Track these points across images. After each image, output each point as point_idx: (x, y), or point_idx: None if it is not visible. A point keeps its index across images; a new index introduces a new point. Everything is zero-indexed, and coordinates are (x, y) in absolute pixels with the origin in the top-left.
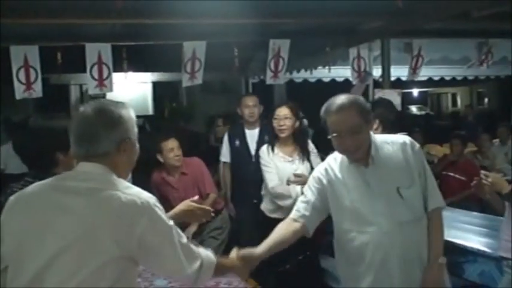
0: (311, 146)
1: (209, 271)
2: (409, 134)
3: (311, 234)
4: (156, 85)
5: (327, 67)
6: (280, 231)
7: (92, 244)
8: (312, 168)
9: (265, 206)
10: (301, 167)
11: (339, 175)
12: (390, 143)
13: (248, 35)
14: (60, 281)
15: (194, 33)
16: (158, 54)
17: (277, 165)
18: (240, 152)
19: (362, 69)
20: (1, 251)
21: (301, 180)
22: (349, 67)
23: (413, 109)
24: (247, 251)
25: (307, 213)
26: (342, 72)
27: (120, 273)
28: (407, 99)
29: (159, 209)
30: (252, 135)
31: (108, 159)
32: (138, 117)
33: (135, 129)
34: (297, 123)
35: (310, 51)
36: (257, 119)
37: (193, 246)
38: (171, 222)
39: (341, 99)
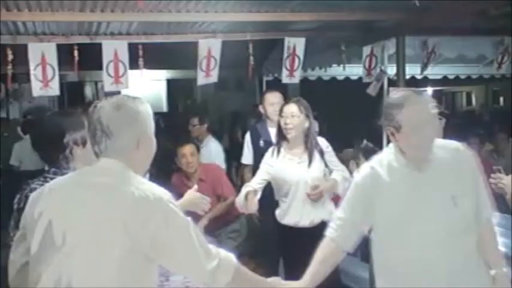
0: (325, 144)
1: (227, 272)
2: None
3: (351, 251)
4: (170, 82)
5: (341, 65)
6: (320, 257)
7: (107, 239)
8: (327, 168)
9: (277, 212)
10: (313, 170)
11: (387, 180)
12: (442, 147)
13: (263, 32)
14: (78, 275)
15: (209, 30)
16: (173, 51)
17: (285, 169)
18: (265, 152)
19: (373, 67)
20: (26, 245)
21: (319, 193)
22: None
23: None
24: (288, 283)
25: (343, 232)
26: (357, 70)
27: (136, 269)
28: None
29: (174, 205)
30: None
31: (126, 154)
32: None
33: (153, 125)
34: (307, 122)
35: (325, 49)
36: None
37: (211, 246)
38: (188, 219)
39: (408, 92)
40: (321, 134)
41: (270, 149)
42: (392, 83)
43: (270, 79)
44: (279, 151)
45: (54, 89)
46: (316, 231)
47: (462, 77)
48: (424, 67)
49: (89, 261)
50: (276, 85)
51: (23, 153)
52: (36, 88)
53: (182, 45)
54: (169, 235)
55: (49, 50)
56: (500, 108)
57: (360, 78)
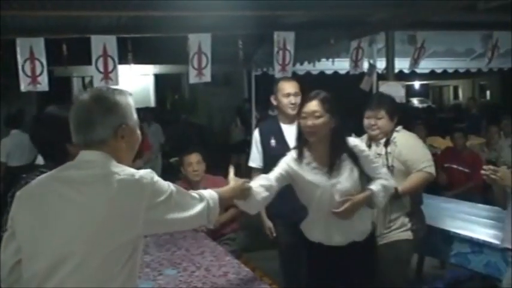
0: (358, 146)
1: (216, 208)
2: (411, 127)
3: None
4: (158, 77)
5: (330, 59)
6: None
7: (102, 230)
8: (364, 176)
9: (303, 223)
10: (343, 180)
11: None
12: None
13: (252, 27)
14: (75, 269)
15: (198, 25)
16: (160, 46)
17: (309, 180)
18: (278, 153)
19: (359, 58)
20: (16, 243)
21: (348, 210)
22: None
23: (415, 102)
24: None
25: None
26: (345, 64)
27: (131, 252)
28: (408, 92)
29: (158, 181)
30: (290, 131)
31: (106, 146)
32: (139, 109)
33: (134, 116)
34: (332, 122)
35: (314, 44)
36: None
37: (194, 193)
38: (170, 185)
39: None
40: None
41: (291, 153)
42: (381, 77)
43: (259, 74)
44: (301, 156)
45: (43, 85)
46: (349, 251)
47: (450, 71)
48: (414, 63)
49: (85, 255)
50: (265, 80)
51: (9, 149)
52: (25, 83)
53: (170, 40)
54: (159, 212)
55: (37, 45)
56: (486, 102)
57: (348, 73)
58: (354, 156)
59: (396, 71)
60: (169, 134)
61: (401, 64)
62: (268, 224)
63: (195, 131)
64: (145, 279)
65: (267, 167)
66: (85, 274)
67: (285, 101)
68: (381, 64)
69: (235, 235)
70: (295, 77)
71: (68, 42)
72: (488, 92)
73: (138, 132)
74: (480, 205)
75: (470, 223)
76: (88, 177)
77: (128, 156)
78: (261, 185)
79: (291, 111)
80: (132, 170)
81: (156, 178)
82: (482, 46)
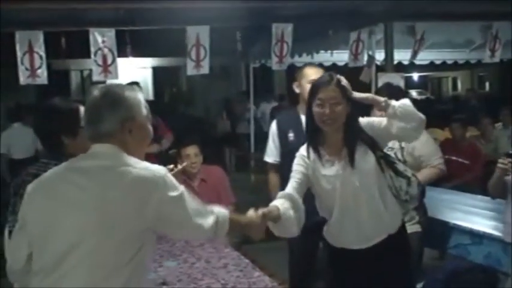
0: (367, 124)
1: (225, 225)
2: None
3: None
4: (156, 70)
5: (328, 51)
6: None
7: (112, 220)
8: (382, 159)
9: (324, 229)
10: (361, 165)
11: None
12: None
13: (250, 19)
14: (82, 258)
15: (196, 18)
16: (158, 39)
17: (325, 174)
18: (296, 147)
19: (360, 52)
20: (27, 237)
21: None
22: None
23: (413, 93)
24: (267, 208)
25: None
26: (344, 56)
27: (140, 246)
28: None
29: (170, 178)
30: None
31: (114, 139)
32: None
33: (144, 111)
34: (348, 109)
35: (312, 35)
36: None
37: (205, 205)
38: (182, 187)
39: None
40: None
41: (302, 149)
42: (380, 68)
43: (257, 66)
44: (315, 150)
45: (42, 78)
46: (377, 252)
47: (449, 62)
48: (414, 54)
49: (95, 244)
50: (263, 72)
51: (11, 141)
52: (24, 76)
53: (168, 32)
54: (170, 207)
55: (36, 38)
56: (486, 93)
57: (347, 65)
58: (373, 145)
59: (395, 62)
60: (167, 127)
61: (400, 55)
62: None
63: (193, 124)
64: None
65: (284, 163)
66: (91, 264)
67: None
68: (379, 55)
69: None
70: (292, 69)
71: (66, 36)
72: (487, 84)
73: (149, 127)
74: (479, 196)
75: (470, 214)
76: (101, 167)
77: (137, 151)
78: (287, 207)
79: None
80: (145, 164)
81: (169, 174)
82: (481, 37)
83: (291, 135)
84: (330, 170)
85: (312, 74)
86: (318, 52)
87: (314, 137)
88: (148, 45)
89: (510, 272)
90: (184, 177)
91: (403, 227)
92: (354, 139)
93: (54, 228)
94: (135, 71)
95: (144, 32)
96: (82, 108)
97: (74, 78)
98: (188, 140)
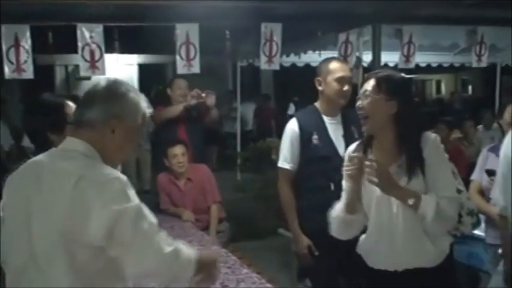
0: (431, 147)
1: (188, 264)
2: None
3: None
4: (142, 67)
5: (316, 52)
6: None
7: (70, 231)
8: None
9: (360, 244)
10: (414, 185)
11: None
12: None
13: (239, 18)
14: (49, 265)
15: (185, 15)
16: (145, 36)
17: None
18: (320, 154)
19: (349, 53)
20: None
21: (383, 174)
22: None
23: None
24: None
25: None
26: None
27: (105, 261)
28: None
29: (129, 196)
30: (334, 127)
31: (93, 132)
32: None
33: (137, 118)
34: (393, 108)
35: (301, 36)
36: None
37: (166, 235)
38: (139, 206)
39: None
40: None
41: (351, 150)
42: (367, 69)
43: (245, 65)
44: (366, 151)
45: (27, 73)
46: (408, 280)
47: (434, 65)
48: (406, 60)
49: (56, 254)
50: (250, 71)
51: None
52: (9, 71)
53: (155, 29)
54: (123, 229)
55: (23, 32)
56: (469, 96)
57: None
58: (420, 157)
59: (381, 64)
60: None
61: (387, 57)
62: (306, 241)
63: None
64: None
65: (303, 170)
66: (50, 274)
67: (336, 86)
68: (366, 57)
69: (223, 227)
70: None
71: (52, 30)
72: (470, 87)
73: (136, 137)
74: None
75: None
76: (60, 169)
77: (115, 155)
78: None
79: (343, 101)
80: (108, 178)
81: (129, 188)
82: (466, 41)
83: (315, 137)
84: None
85: (340, 70)
86: (305, 52)
87: (368, 137)
88: (135, 41)
89: (492, 271)
90: (171, 176)
91: (449, 264)
92: (404, 147)
93: (20, 232)
94: (122, 68)
95: (132, 29)
96: (69, 104)
97: (59, 74)
98: (175, 139)
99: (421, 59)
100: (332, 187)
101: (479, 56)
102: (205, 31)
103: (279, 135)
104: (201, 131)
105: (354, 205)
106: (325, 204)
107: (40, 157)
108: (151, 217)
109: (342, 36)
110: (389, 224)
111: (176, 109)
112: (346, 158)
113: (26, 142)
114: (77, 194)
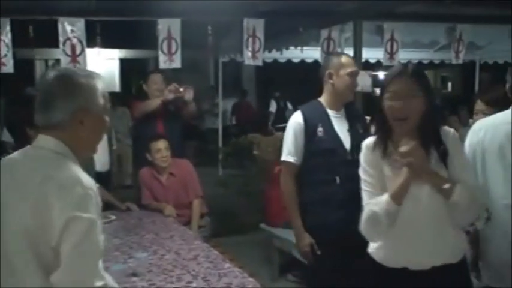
0: (452, 140)
1: None
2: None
3: None
4: (124, 62)
5: (298, 48)
6: None
7: (35, 229)
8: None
9: (374, 245)
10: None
11: None
12: None
13: (222, 13)
14: (18, 266)
15: (167, 10)
16: (127, 31)
17: (387, 175)
18: (325, 147)
19: (331, 50)
20: None
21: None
22: (320, 48)
23: (378, 91)
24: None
25: None
26: (313, 53)
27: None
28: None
29: (87, 206)
30: (338, 121)
31: (63, 130)
32: None
33: (100, 101)
34: (425, 105)
35: (282, 32)
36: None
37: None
38: (94, 222)
39: None
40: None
41: (369, 146)
42: None
43: (227, 60)
44: (386, 150)
45: (8, 67)
46: (439, 276)
47: (414, 61)
48: (390, 57)
49: (24, 256)
50: (232, 67)
51: None
52: None
53: (137, 24)
54: (70, 235)
55: (3, 26)
56: (448, 93)
57: (316, 61)
58: (444, 152)
59: (362, 60)
60: None
61: (368, 54)
62: (308, 239)
63: None
64: (116, 263)
65: (306, 164)
66: (20, 274)
67: (349, 80)
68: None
69: (205, 222)
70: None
71: (33, 24)
72: (450, 84)
73: (105, 119)
74: None
75: None
76: (30, 170)
77: (89, 145)
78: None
79: (352, 95)
80: (72, 175)
81: (95, 194)
82: (446, 38)
83: (320, 130)
84: (400, 171)
85: (352, 64)
86: (287, 48)
87: (386, 135)
88: (117, 36)
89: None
90: (153, 171)
91: (464, 262)
92: (428, 144)
93: None
94: (103, 62)
95: (113, 23)
96: None
97: (39, 68)
98: (157, 134)
99: (402, 55)
100: (337, 181)
101: (457, 52)
102: (188, 26)
103: (259, 131)
104: (179, 126)
105: (404, 195)
106: (331, 199)
107: (14, 155)
108: (100, 240)
109: (324, 33)
110: (418, 216)
111: (153, 103)
112: (364, 151)
113: (6, 137)
114: (41, 193)
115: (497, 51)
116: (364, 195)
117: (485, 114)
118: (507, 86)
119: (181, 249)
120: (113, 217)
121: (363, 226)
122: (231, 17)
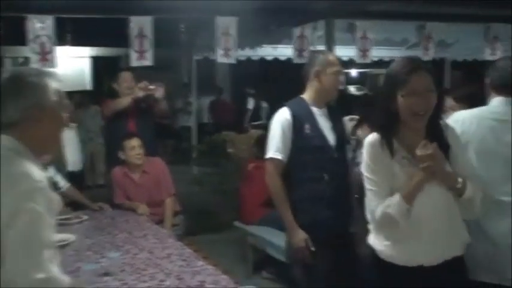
0: (453, 132)
1: None
2: (351, 114)
3: None
4: (95, 60)
5: (271, 45)
6: None
7: None
8: None
9: (377, 241)
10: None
11: None
12: None
13: (194, 11)
14: None
15: (140, 8)
16: (98, 28)
17: (398, 173)
18: (311, 145)
19: (304, 48)
20: None
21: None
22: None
23: (352, 89)
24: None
25: None
26: (286, 51)
27: None
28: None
29: (35, 199)
30: (323, 119)
31: (17, 129)
32: (74, 92)
33: (51, 97)
34: (437, 101)
35: (256, 30)
36: None
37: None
38: (41, 215)
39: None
40: (261, 114)
41: (374, 143)
42: None
43: (200, 58)
44: (392, 148)
45: None
46: (443, 272)
47: (386, 59)
48: (363, 55)
49: None
50: (206, 65)
51: None
52: None
53: (108, 22)
54: (15, 227)
55: None
56: None
57: (289, 59)
58: (446, 145)
59: None
60: None
61: (340, 52)
62: (302, 234)
63: None
64: (88, 262)
65: (294, 161)
66: None
67: (336, 78)
68: None
69: (178, 220)
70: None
71: (1, 21)
72: None
73: (60, 115)
74: None
75: None
76: None
77: (46, 141)
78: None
79: (336, 94)
80: (22, 170)
81: (42, 192)
82: (416, 36)
83: (307, 127)
84: (405, 170)
85: (337, 63)
86: (260, 46)
87: (391, 133)
88: (88, 34)
89: None
90: (125, 170)
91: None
92: (439, 136)
93: None
94: (73, 60)
95: (84, 21)
96: None
97: (8, 66)
98: (130, 132)
99: (374, 53)
100: (326, 178)
101: (426, 49)
102: (161, 26)
103: (235, 129)
104: (151, 124)
105: (416, 196)
106: (319, 196)
107: None
108: (46, 232)
109: (296, 31)
110: (432, 210)
111: (124, 101)
112: (368, 149)
113: None
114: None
115: (466, 49)
116: (371, 195)
117: (455, 112)
118: (487, 80)
119: (154, 248)
120: (85, 217)
121: (378, 227)
122: (204, 15)
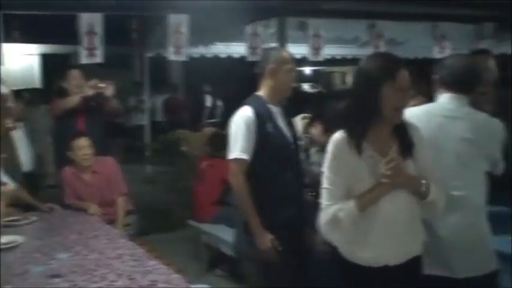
0: (418, 130)
1: None
2: (304, 112)
3: None
4: (45, 57)
5: (224, 43)
6: None
7: None
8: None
9: (339, 241)
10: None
11: None
12: None
13: (146, 9)
14: None
15: (90, 5)
16: (48, 25)
17: (365, 174)
18: (274, 143)
19: (257, 45)
20: None
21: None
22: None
23: (306, 87)
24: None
25: None
26: (239, 49)
27: None
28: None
29: None
30: (279, 117)
31: None
32: (23, 90)
33: None
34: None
35: (209, 28)
36: None
37: None
38: None
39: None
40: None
41: (338, 140)
42: None
43: (153, 56)
44: (360, 146)
45: None
46: (404, 271)
47: (338, 57)
48: (315, 53)
49: None
50: (159, 62)
51: None
52: None
53: (58, 18)
54: None
55: None
56: None
57: (242, 57)
58: (410, 144)
59: None
60: None
61: (293, 50)
62: (268, 235)
63: None
64: (36, 264)
65: (257, 161)
66: None
67: (290, 76)
68: None
69: (130, 220)
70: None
71: None
72: None
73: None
74: None
75: None
76: None
77: None
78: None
79: (290, 91)
80: None
81: None
82: (367, 34)
83: (269, 126)
84: (374, 167)
85: (291, 60)
86: (213, 44)
87: (364, 132)
88: (36, 31)
89: None
90: (75, 169)
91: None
92: (404, 134)
93: None
94: (22, 58)
95: (33, 17)
96: None
97: None
98: (79, 132)
99: (326, 51)
100: (289, 176)
101: (377, 48)
102: (113, 23)
103: (189, 127)
104: (101, 123)
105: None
106: (284, 196)
107: None
108: None
109: (249, 28)
110: (396, 209)
111: (73, 100)
112: (334, 148)
113: None
114: None
115: (417, 47)
116: (325, 193)
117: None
118: (435, 77)
119: (105, 248)
120: (34, 218)
121: (324, 227)
122: (155, 13)
